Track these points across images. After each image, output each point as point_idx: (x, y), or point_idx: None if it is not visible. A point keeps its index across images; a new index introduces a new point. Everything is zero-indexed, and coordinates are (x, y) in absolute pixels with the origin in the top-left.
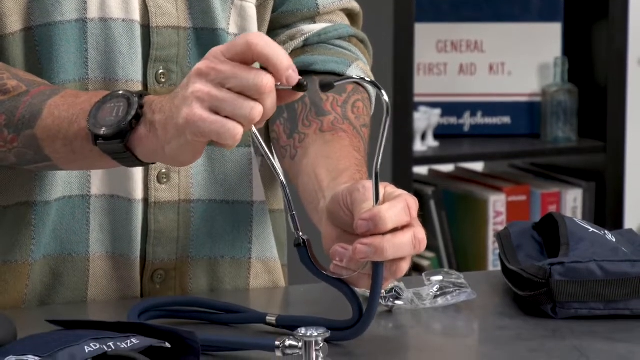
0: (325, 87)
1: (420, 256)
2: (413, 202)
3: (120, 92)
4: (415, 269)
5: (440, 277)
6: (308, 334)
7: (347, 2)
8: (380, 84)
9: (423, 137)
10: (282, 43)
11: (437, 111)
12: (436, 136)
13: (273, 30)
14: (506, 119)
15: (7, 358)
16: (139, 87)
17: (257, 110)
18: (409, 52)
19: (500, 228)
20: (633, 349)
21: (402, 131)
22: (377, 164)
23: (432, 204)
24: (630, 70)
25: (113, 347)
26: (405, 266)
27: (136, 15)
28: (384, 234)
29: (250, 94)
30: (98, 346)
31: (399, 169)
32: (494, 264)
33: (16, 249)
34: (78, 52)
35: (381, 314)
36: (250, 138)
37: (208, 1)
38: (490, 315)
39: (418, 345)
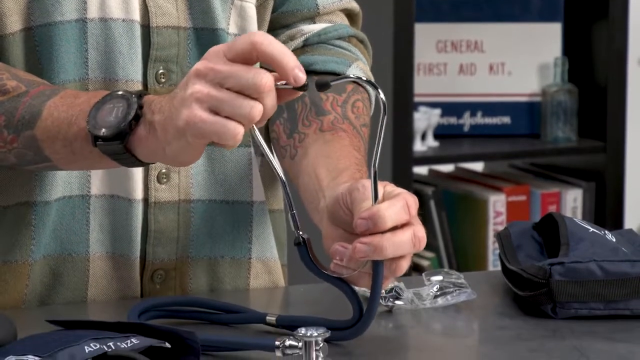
0: (322, 86)
1: (420, 256)
2: (412, 201)
3: (120, 93)
4: (415, 269)
5: (440, 277)
6: (308, 334)
7: (346, 3)
8: (380, 84)
9: (423, 137)
10: (282, 43)
11: (437, 111)
12: (436, 136)
13: (273, 31)
14: (506, 119)
15: (7, 358)
16: (138, 87)
17: (256, 110)
18: (408, 52)
19: (500, 228)
20: (633, 349)
21: (402, 131)
22: (375, 163)
23: (432, 204)
24: (630, 70)
25: (113, 347)
26: (405, 264)
27: (136, 15)
28: (383, 232)
29: (250, 93)
30: (98, 346)
31: (398, 169)
32: (494, 264)
33: (16, 249)
34: (78, 52)
35: (381, 314)
36: (250, 138)
37: (208, 1)
38: (490, 315)
39: (418, 345)
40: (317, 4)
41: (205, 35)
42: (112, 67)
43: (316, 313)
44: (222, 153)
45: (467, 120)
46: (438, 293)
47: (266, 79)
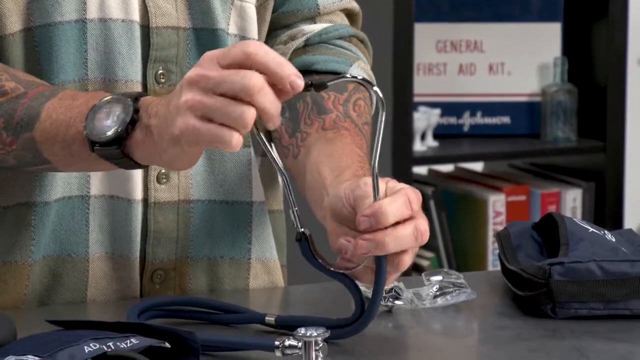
0: (319, 87)
1: (419, 256)
2: (414, 195)
3: (116, 96)
4: (415, 269)
5: (439, 277)
6: (308, 334)
7: (347, 3)
8: (379, 84)
9: (423, 137)
10: (283, 43)
11: (437, 111)
12: (436, 136)
13: (273, 31)
14: (506, 119)
15: (7, 358)
16: (138, 88)
17: (248, 114)
18: (408, 52)
19: (500, 228)
20: (633, 349)
21: (402, 131)
22: (375, 160)
23: (432, 204)
24: (630, 70)
25: (113, 347)
26: (407, 259)
27: (136, 16)
28: (385, 228)
29: (242, 96)
30: (98, 346)
31: (398, 169)
32: (493, 264)
33: (16, 250)
34: (77, 53)
35: (381, 314)
36: (250, 138)
37: (208, 1)
38: (490, 315)
39: (418, 345)
40: (317, 4)
41: (205, 35)
42: (111, 68)
43: (316, 313)
44: (221, 153)
45: (466, 120)
46: (438, 293)
47: (254, 80)
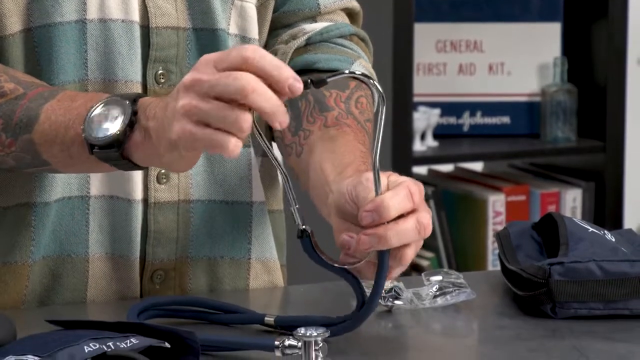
0: (318, 83)
1: (419, 256)
2: (416, 188)
3: (114, 98)
4: (415, 268)
5: (439, 277)
6: (307, 334)
7: (347, 2)
8: (379, 84)
9: (422, 137)
10: (285, 42)
11: (437, 111)
12: (435, 136)
13: (274, 30)
14: (505, 119)
15: (7, 358)
16: (138, 88)
17: (243, 118)
18: (408, 52)
19: (500, 228)
20: (632, 349)
21: (402, 131)
22: (376, 155)
23: (432, 204)
24: (630, 69)
25: (112, 347)
26: (410, 253)
27: (135, 16)
28: (388, 222)
29: (237, 98)
30: (97, 346)
31: (398, 168)
32: (493, 264)
33: (16, 250)
34: (77, 53)
35: (381, 314)
36: (250, 138)
37: (208, 1)
38: (490, 315)
39: (417, 345)
40: (318, 4)
41: (205, 35)
42: (111, 68)
43: (316, 313)
44: (221, 154)
45: (466, 120)
46: (437, 293)
47: (246, 80)
